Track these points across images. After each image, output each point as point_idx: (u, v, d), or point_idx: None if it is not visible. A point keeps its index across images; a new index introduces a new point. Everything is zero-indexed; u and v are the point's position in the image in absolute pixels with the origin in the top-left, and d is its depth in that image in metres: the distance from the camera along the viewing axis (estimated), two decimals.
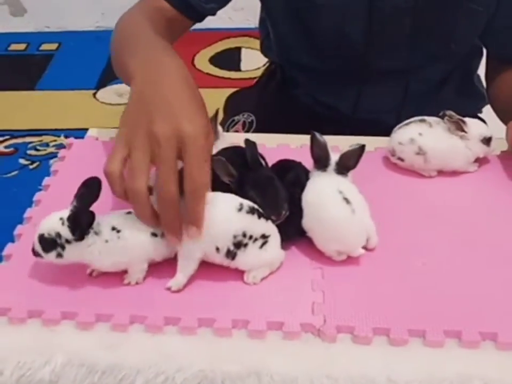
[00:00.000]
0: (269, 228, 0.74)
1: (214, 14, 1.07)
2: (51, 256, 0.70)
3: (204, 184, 0.67)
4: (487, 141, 0.90)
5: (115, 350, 0.68)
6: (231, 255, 0.72)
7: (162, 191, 0.67)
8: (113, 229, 0.71)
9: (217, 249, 0.71)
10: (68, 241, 0.70)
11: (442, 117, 0.90)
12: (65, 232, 0.70)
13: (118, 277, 0.73)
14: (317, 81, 1.19)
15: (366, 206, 0.77)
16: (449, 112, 0.89)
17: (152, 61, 0.78)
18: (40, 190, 0.89)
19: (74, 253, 0.70)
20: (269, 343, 0.68)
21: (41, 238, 0.70)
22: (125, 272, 0.73)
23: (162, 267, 0.73)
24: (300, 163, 0.83)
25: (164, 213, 0.68)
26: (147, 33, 0.89)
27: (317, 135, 0.79)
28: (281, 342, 0.68)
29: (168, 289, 0.72)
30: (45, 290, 0.73)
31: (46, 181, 0.91)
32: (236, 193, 0.75)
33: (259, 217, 0.73)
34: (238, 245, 0.71)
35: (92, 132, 1.03)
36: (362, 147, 0.78)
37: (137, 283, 0.73)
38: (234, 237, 0.71)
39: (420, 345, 0.68)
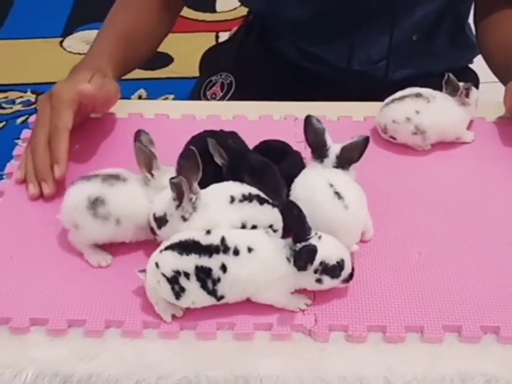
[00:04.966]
0: (275, 215, 0.67)
1: None
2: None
3: (62, 127, 0.79)
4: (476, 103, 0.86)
5: (91, 358, 0.63)
6: None
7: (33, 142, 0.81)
8: None
9: None
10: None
11: (445, 83, 0.84)
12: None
13: (89, 279, 0.68)
14: (305, 31, 1.10)
15: (362, 198, 0.70)
16: (452, 78, 0.84)
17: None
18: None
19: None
20: (257, 345, 0.64)
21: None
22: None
23: (138, 266, 0.67)
24: (294, 152, 0.76)
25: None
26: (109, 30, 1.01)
27: (313, 119, 0.71)
28: (270, 343, 0.64)
29: None
30: (11, 295, 0.67)
31: (8, 167, 0.84)
32: (228, 179, 0.70)
33: (261, 203, 0.67)
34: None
35: None
36: (366, 139, 0.70)
37: None
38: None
39: (418, 342, 0.64)
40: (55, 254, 0.71)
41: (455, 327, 0.64)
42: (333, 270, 0.63)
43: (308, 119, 0.71)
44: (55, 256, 0.71)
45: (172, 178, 0.65)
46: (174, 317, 0.65)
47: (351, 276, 0.65)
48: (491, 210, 0.77)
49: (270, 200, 0.68)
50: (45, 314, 0.65)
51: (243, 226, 0.66)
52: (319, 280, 0.63)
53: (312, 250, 0.61)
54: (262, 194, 0.68)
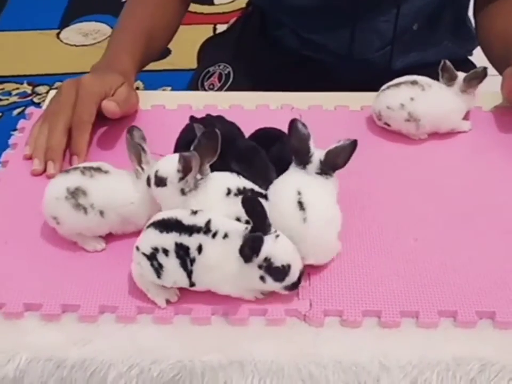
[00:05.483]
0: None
1: None
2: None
3: (87, 120, 0.81)
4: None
5: (85, 343, 0.63)
6: None
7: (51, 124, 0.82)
8: None
9: None
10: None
11: (442, 70, 0.84)
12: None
13: (84, 264, 0.68)
14: (308, 19, 1.09)
15: (332, 219, 0.66)
16: (448, 65, 0.83)
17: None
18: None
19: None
20: (252, 330, 0.63)
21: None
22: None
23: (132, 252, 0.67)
24: (284, 134, 0.74)
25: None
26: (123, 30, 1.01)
27: (299, 124, 0.67)
28: (264, 328, 0.64)
29: None
30: (5, 281, 0.67)
31: (4, 155, 0.84)
32: (216, 165, 0.68)
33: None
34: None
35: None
36: (353, 143, 0.65)
37: None
38: None
39: (413, 326, 0.63)
40: (49, 240, 0.71)
41: (451, 312, 0.64)
42: (277, 272, 0.60)
43: (293, 124, 0.66)
44: (49, 242, 0.71)
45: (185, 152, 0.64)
46: (168, 301, 0.65)
47: (295, 285, 0.62)
48: (487, 198, 0.76)
49: (264, 192, 0.67)
50: (39, 300, 0.65)
51: (237, 220, 0.65)
52: (262, 278, 0.61)
53: (258, 238, 0.59)
54: (257, 188, 0.67)
